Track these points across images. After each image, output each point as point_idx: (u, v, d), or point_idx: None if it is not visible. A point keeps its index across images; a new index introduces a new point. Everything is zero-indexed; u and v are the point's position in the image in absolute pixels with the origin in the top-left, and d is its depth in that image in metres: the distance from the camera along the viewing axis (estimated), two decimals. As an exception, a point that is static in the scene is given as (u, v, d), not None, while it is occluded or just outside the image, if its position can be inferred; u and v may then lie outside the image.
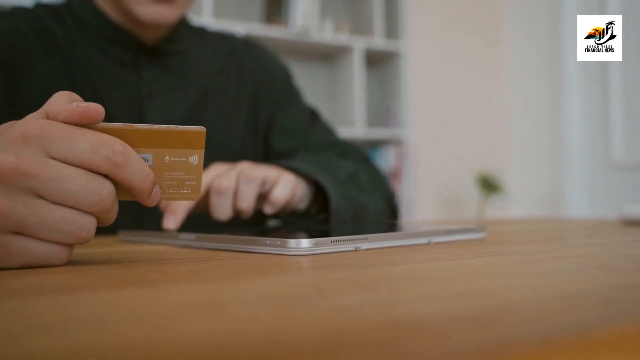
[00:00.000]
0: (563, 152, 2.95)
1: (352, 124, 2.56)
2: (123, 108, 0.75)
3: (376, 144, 2.75)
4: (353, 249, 0.39)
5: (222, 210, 0.57)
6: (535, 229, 0.64)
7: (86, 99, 0.75)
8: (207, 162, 0.81)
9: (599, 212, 2.74)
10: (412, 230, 0.44)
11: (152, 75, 0.78)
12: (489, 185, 2.72)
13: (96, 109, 0.33)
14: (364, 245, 0.40)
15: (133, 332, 0.16)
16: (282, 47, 2.55)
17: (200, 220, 0.80)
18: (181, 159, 0.36)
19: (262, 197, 0.61)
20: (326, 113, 2.70)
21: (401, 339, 0.15)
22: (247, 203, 0.57)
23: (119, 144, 0.33)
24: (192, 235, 0.45)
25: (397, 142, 2.66)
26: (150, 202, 0.35)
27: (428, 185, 2.88)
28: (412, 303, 0.20)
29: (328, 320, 0.17)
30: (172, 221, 0.55)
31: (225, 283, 0.25)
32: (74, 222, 0.32)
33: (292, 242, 0.36)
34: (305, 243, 0.36)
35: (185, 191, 0.37)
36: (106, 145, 0.32)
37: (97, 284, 0.26)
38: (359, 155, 0.87)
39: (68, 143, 0.32)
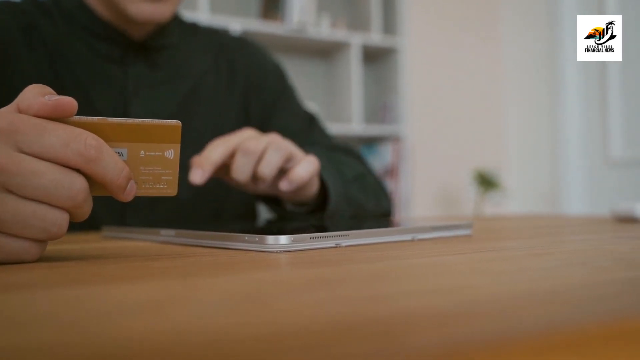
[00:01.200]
0: (561, 149, 2.94)
1: (349, 121, 2.55)
2: (109, 104, 0.74)
3: (373, 141, 2.75)
4: (334, 245, 0.38)
5: (243, 170, 0.56)
6: (526, 225, 0.63)
7: (72, 95, 0.75)
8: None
9: (597, 208, 2.74)
10: (396, 227, 0.44)
11: (139, 71, 0.77)
12: (486, 182, 2.72)
13: (69, 103, 0.32)
14: (345, 242, 0.39)
15: (80, 329, 0.15)
16: (279, 43, 2.54)
17: (197, 216, 0.79)
18: (157, 153, 0.35)
19: (282, 173, 0.60)
20: (323, 109, 2.69)
21: (342, 339, 0.14)
22: (269, 169, 0.56)
23: (91, 138, 0.32)
24: (172, 232, 0.44)
25: (394, 139, 2.66)
26: (125, 197, 0.34)
27: (425, 182, 2.87)
28: (371, 301, 0.19)
29: (277, 320, 0.16)
30: (199, 175, 0.55)
31: (191, 280, 0.25)
32: (45, 218, 0.31)
33: (270, 239, 0.36)
34: (283, 239, 0.36)
35: (161, 186, 0.36)
36: (78, 140, 0.32)
37: (64, 280, 0.26)
38: (357, 158, 0.88)
39: (39, 137, 0.31)
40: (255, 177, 0.59)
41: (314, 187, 0.66)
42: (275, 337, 0.14)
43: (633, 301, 0.18)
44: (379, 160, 2.68)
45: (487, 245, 0.38)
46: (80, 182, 0.32)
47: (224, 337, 0.14)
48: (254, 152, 0.55)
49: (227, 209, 0.84)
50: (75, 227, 0.69)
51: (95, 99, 0.74)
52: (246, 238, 0.37)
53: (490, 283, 0.23)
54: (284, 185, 0.59)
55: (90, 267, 0.30)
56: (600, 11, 2.66)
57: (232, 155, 0.58)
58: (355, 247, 0.38)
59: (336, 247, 0.38)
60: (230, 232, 0.39)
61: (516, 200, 3.07)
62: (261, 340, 0.14)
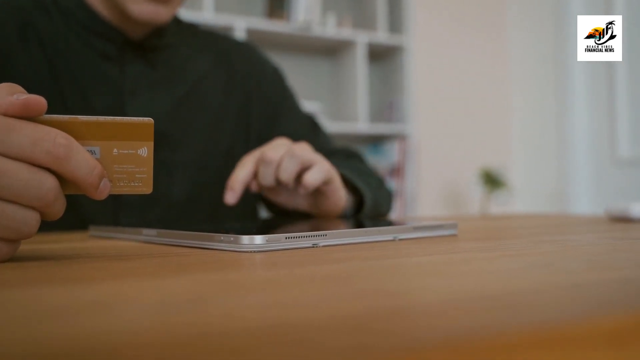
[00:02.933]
0: (568, 148, 2.92)
1: (355, 119, 2.55)
2: (105, 103, 0.74)
3: (379, 140, 2.74)
4: (311, 245, 0.38)
5: (265, 177, 0.62)
6: (518, 225, 0.63)
7: (68, 93, 0.75)
8: (191, 162, 0.81)
9: (604, 207, 2.71)
10: (377, 227, 0.43)
11: (136, 70, 0.77)
12: (492, 181, 2.70)
13: (37, 101, 0.32)
14: (322, 242, 0.39)
15: (14, 330, 0.15)
16: (284, 42, 2.54)
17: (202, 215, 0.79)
18: (130, 151, 0.35)
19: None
20: (329, 108, 2.69)
21: (274, 342, 0.14)
22: (286, 176, 0.60)
23: (61, 137, 0.32)
24: (154, 232, 0.44)
25: (400, 138, 2.65)
26: (99, 196, 0.34)
27: (431, 181, 2.86)
28: (322, 301, 0.19)
29: (213, 321, 0.16)
30: (230, 196, 0.62)
31: (145, 280, 0.24)
32: (15, 218, 0.31)
33: (244, 239, 0.35)
34: (258, 239, 0.35)
35: (136, 184, 0.36)
36: (47, 138, 0.31)
37: (17, 280, 0.25)
38: (359, 160, 0.89)
39: (7, 137, 0.31)
40: (279, 183, 0.63)
41: (341, 201, 0.68)
42: (200, 338, 0.14)
43: (567, 308, 0.18)
44: (384, 159, 2.67)
45: (464, 246, 0.38)
46: (50, 181, 0.32)
47: (143, 340, 0.14)
48: (272, 160, 0.60)
49: (224, 209, 0.83)
50: (68, 226, 0.69)
51: (92, 97, 0.74)
52: (222, 238, 0.37)
53: (445, 285, 0.22)
54: (301, 190, 0.63)
55: (53, 268, 0.30)
56: (607, 11, 2.63)
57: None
58: (333, 247, 0.38)
59: (313, 247, 0.38)
60: (208, 232, 0.39)
61: (523, 199, 3.05)
62: (184, 343, 0.14)
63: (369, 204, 0.72)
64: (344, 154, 0.88)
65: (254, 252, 0.35)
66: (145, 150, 0.36)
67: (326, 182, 0.64)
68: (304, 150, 0.62)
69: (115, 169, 0.35)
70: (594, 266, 0.27)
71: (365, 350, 0.13)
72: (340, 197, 0.67)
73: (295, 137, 0.88)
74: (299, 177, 0.63)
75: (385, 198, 0.80)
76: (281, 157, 0.61)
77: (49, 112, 0.33)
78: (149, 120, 0.35)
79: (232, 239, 0.36)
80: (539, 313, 0.17)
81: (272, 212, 0.94)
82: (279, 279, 0.24)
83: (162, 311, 0.18)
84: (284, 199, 0.69)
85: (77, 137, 0.33)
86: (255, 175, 0.64)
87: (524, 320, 0.16)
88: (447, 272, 0.26)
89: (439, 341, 0.14)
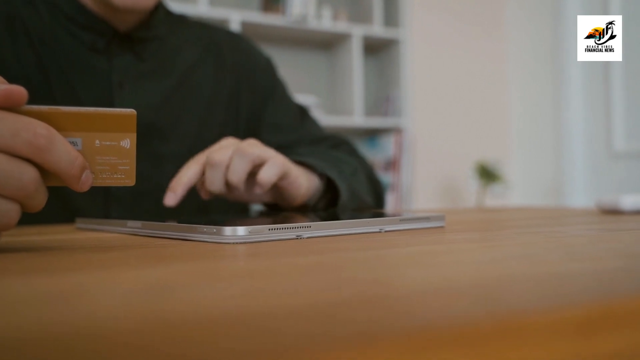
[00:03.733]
0: (564, 141, 2.92)
1: (350, 113, 2.54)
2: (93, 96, 0.74)
3: (375, 133, 2.74)
4: (295, 237, 0.38)
5: (213, 182, 0.58)
6: (508, 217, 0.63)
7: (55, 86, 0.75)
8: (181, 154, 0.81)
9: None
10: (362, 218, 0.43)
11: (124, 62, 0.76)
12: (488, 175, 2.70)
13: (18, 91, 0.32)
14: (306, 234, 0.38)
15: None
16: (279, 35, 2.53)
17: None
18: (112, 142, 0.35)
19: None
20: (325, 102, 2.68)
21: (228, 332, 0.14)
22: (237, 177, 0.57)
23: (41, 127, 0.32)
24: (138, 223, 0.44)
25: (396, 131, 2.65)
26: (81, 187, 0.34)
27: (427, 175, 2.86)
28: (284, 294, 0.19)
29: (175, 309, 0.16)
30: (171, 198, 0.57)
31: (115, 270, 0.24)
32: (-7, 209, 0.31)
33: (227, 230, 0.35)
34: (240, 231, 0.35)
35: (119, 176, 0.36)
36: (28, 129, 0.31)
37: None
38: (349, 148, 0.88)
39: (-14, 127, 0.31)
40: (228, 186, 0.60)
41: (301, 190, 0.66)
42: (161, 327, 0.14)
43: (537, 297, 0.18)
44: (380, 153, 2.67)
45: (449, 238, 0.38)
46: (30, 173, 0.32)
47: (103, 328, 0.14)
48: (220, 162, 0.57)
49: (216, 201, 0.83)
50: (58, 219, 0.69)
51: (80, 89, 0.73)
52: (204, 229, 0.37)
53: (416, 275, 0.22)
54: (257, 189, 0.60)
55: (30, 259, 0.30)
56: (604, 9, 2.63)
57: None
58: (317, 239, 0.38)
59: (297, 238, 0.38)
60: (191, 223, 0.39)
61: (519, 193, 3.05)
62: (144, 331, 0.14)
63: (345, 191, 0.69)
64: (331, 142, 0.88)
65: (237, 243, 0.35)
66: (128, 142, 0.36)
67: (282, 177, 0.61)
68: (254, 147, 0.58)
69: (98, 160, 0.35)
70: (573, 257, 0.26)
71: (326, 338, 0.13)
72: (300, 185, 0.65)
73: (279, 125, 0.88)
74: (252, 175, 0.60)
75: (362, 184, 0.78)
76: (229, 157, 0.57)
77: (36, 104, 0.33)
78: (131, 111, 0.35)
79: (214, 230, 0.36)
80: (508, 303, 0.17)
81: (265, 204, 0.94)
82: (255, 269, 0.24)
83: (128, 300, 0.18)
84: (243, 197, 0.67)
85: (59, 128, 0.33)
86: (202, 180, 0.60)
87: (491, 309, 0.16)
88: (426, 263, 0.26)
89: (405, 330, 0.14)
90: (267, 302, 0.17)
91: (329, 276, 0.22)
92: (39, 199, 0.33)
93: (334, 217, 0.44)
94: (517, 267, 0.23)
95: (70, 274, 0.24)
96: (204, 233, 0.37)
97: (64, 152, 0.32)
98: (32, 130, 0.31)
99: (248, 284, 0.20)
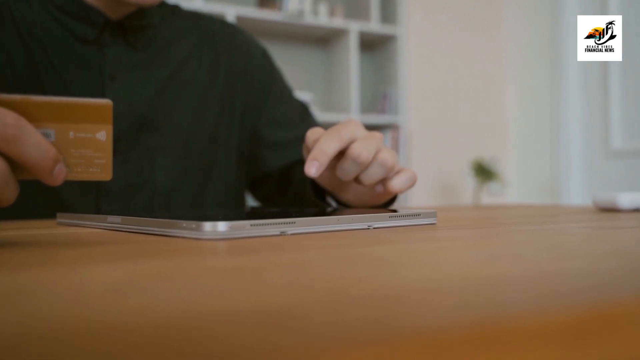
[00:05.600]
0: (561, 139, 2.91)
1: (347, 110, 2.53)
2: (85, 88, 0.72)
3: (371, 130, 2.72)
4: (278, 233, 0.37)
5: (348, 174, 0.55)
6: (502, 215, 0.61)
7: (45, 77, 0.73)
8: (174, 147, 0.79)
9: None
10: (350, 214, 0.42)
11: (116, 52, 0.75)
12: (484, 172, 2.69)
13: None
14: (291, 230, 0.37)
15: None
16: (275, 30, 2.51)
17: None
18: (87, 135, 0.34)
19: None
20: (321, 98, 2.67)
21: (172, 338, 0.12)
22: (369, 182, 0.56)
23: (10, 117, 0.30)
24: (118, 219, 0.42)
25: (392, 128, 2.63)
26: (53, 181, 0.32)
27: (424, 172, 2.85)
28: (242, 296, 0.17)
29: (126, 313, 0.15)
30: (315, 167, 0.52)
31: (85, 267, 0.23)
32: (-40, 203, 0.30)
33: (206, 225, 0.34)
34: (221, 226, 0.34)
35: (94, 170, 0.34)
36: None
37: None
38: None
39: (-48, 117, 0.29)
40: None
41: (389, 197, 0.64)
42: (108, 330, 0.13)
43: (522, 301, 0.17)
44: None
45: (439, 235, 0.37)
46: (-2, 165, 0.30)
47: (51, 330, 0.13)
48: (363, 163, 0.54)
49: (208, 196, 0.82)
50: (48, 215, 0.67)
51: (70, 81, 0.72)
52: (184, 225, 0.35)
53: (395, 275, 0.21)
54: (379, 189, 0.58)
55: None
56: (603, 8, 2.61)
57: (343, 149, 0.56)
58: (302, 236, 0.36)
59: (281, 235, 0.36)
60: (176, 218, 0.37)
61: (515, 190, 3.04)
62: (92, 334, 0.12)
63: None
64: None
65: (217, 239, 0.34)
66: (104, 134, 0.34)
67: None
68: (392, 157, 0.56)
69: (72, 153, 0.34)
70: (563, 256, 0.25)
71: (277, 346, 0.12)
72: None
73: (279, 120, 0.87)
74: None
75: None
76: (373, 159, 0.55)
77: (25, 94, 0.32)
78: (107, 101, 0.34)
79: (194, 225, 0.34)
80: (490, 306, 0.15)
81: (260, 200, 0.92)
82: (228, 268, 0.23)
83: (81, 300, 0.16)
84: (345, 189, 0.64)
85: (31, 118, 0.32)
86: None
87: (473, 313, 0.15)
88: (413, 262, 0.24)
89: (384, 335, 0.12)
90: (230, 305, 0.16)
91: (307, 276, 0.21)
92: (9, 193, 0.32)
93: (321, 213, 0.43)
94: (506, 266, 0.22)
95: (32, 269, 0.23)
96: (184, 229, 0.35)
97: (35, 143, 0.31)
98: (0, 120, 0.30)
99: (218, 284, 0.19)
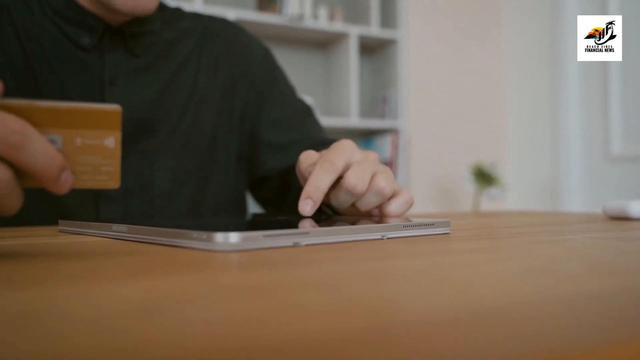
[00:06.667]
0: (561, 144, 2.90)
1: (347, 114, 2.52)
2: (84, 93, 0.71)
3: (371, 134, 2.72)
4: (292, 244, 0.35)
5: (342, 204, 0.53)
6: (514, 223, 0.60)
7: (44, 83, 0.72)
8: (173, 149, 0.78)
9: (597, 205, 2.70)
10: (364, 224, 0.40)
11: (116, 58, 0.74)
12: (484, 177, 2.69)
13: None
14: (304, 241, 0.36)
15: None
16: (275, 34, 2.50)
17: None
18: (95, 141, 0.32)
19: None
20: (320, 102, 2.66)
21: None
22: (366, 209, 0.53)
23: (15, 123, 0.29)
24: (124, 227, 0.41)
25: (392, 133, 2.62)
26: (59, 190, 0.31)
27: (423, 177, 2.84)
28: (263, 322, 0.16)
29: (146, 337, 0.13)
30: (310, 206, 0.50)
31: (85, 285, 0.22)
32: (-38, 212, 0.28)
33: (218, 237, 0.33)
34: (233, 238, 0.33)
35: (101, 177, 0.33)
36: (0, 125, 0.28)
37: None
38: None
39: (-44, 123, 0.28)
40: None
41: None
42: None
43: (577, 327, 0.15)
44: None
45: (457, 248, 0.35)
46: (3, 173, 0.29)
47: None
48: (359, 194, 0.52)
49: (208, 200, 0.80)
50: (47, 220, 0.66)
51: (70, 87, 0.71)
52: (194, 235, 0.34)
53: (418, 296, 0.20)
54: (375, 213, 0.56)
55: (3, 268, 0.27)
56: (602, 8, 2.61)
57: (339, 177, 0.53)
58: (316, 247, 0.35)
59: (295, 246, 0.35)
60: (181, 228, 0.36)
61: (515, 195, 3.03)
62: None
63: None
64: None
65: (229, 251, 0.32)
66: (113, 141, 0.33)
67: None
68: (388, 183, 0.53)
69: (79, 160, 0.32)
70: (600, 271, 0.24)
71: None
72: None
73: (278, 121, 0.85)
74: None
75: None
76: (368, 188, 0.53)
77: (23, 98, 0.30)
78: (116, 107, 0.32)
79: (205, 236, 0.33)
80: (542, 334, 0.14)
81: (260, 202, 0.91)
82: (244, 286, 0.21)
83: (100, 322, 0.15)
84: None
85: (37, 124, 0.30)
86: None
87: (521, 344, 0.13)
88: (434, 278, 0.23)
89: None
90: (250, 332, 0.14)
91: (328, 298, 0.19)
92: (13, 202, 0.30)
93: (334, 223, 0.41)
94: (542, 284, 0.21)
95: (39, 286, 0.21)
96: (194, 239, 0.34)
97: (41, 151, 0.30)
98: (5, 126, 0.29)
99: (234, 306, 0.18)
